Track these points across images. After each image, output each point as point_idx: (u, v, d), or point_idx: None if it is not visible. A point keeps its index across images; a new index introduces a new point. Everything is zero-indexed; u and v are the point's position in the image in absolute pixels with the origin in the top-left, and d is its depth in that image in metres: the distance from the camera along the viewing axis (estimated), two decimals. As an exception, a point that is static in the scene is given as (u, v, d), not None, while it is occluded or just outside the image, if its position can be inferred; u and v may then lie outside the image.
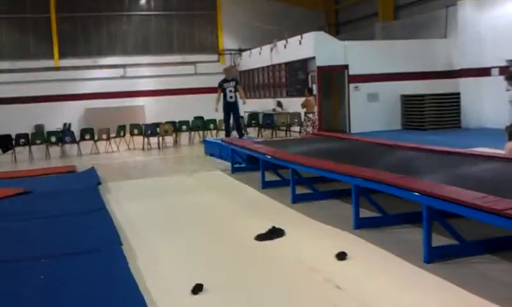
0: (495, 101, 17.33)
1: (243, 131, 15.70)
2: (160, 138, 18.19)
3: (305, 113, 15.73)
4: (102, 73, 24.95)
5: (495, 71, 17.31)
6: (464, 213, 4.79)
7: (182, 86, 25.48)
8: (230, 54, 26.70)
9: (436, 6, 19.89)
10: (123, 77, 25.10)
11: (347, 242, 6.05)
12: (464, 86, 18.24)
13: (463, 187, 5.30)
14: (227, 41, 26.84)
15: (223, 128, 16.16)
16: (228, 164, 12.11)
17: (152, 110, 23.94)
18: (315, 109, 15.90)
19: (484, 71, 17.61)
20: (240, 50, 26.17)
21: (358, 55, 18.34)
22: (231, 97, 14.37)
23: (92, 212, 7.97)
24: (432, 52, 18.91)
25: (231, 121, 14.91)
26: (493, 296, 4.35)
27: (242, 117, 17.56)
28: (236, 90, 14.42)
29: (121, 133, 18.27)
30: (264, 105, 21.81)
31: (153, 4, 26.13)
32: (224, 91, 14.31)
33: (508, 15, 16.67)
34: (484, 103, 17.68)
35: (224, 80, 14.50)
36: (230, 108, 14.50)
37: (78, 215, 7.87)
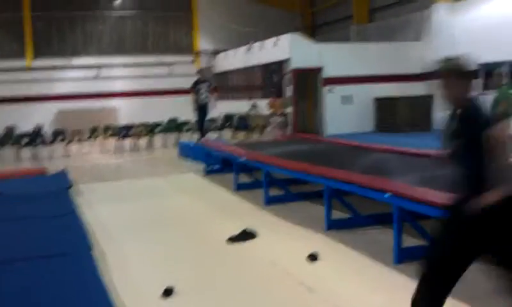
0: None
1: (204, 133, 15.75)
2: (134, 140, 18.03)
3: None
4: (75, 74, 24.58)
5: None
6: (434, 213, 4.81)
7: (156, 87, 25.28)
8: (206, 55, 26.60)
9: (410, 9, 20.09)
10: (96, 78, 24.80)
11: (319, 243, 6.05)
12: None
13: (433, 188, 5.33)
14: (203, 43, 26.73)
15: (210, 128, 16.33)
16: (201, 166, 12.04)
17: (126, 111, 23.66)
18: (284, 110, 16.01)
19: (457, 74, 17.82)
20: (216, 52, 26.08)
21: (333, 57, 18.41)
22: (204, 98, 14.68)
23: (62, 215, 7.80)
24: (406, 54, 19.08)
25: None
26: (462, 295, 4.36)
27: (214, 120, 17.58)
28: (209, 92, 14.69)
29: (94, 135, 18.07)
30: (239, 106, 21.76)
31: (128, 3, 25.87)
32: (197, 92, 14.48)
33: (482, 18, 16.92)
34: (456, 106, 17.91)
35: (198, 82, 14.70)
36: (203, 109, 14.76)
37: (48, 218, 7.69)
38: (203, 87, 14.72)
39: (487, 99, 9.21)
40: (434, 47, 18.47)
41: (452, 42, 17.79)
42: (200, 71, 15.69)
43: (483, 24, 16.80)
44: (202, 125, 15.10)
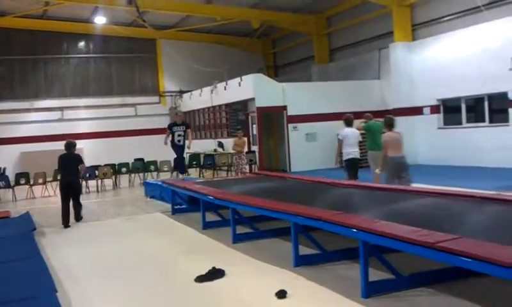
0: (427, 138, 18.03)
1: (184, 171, 15.84)
2: (99, 181, 17.85)
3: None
4: (39, 116, 24.37)
5: (427, 110, 18.07)
6: (399, 247, 4.92)
7: (122, 128, 25.23)
8: (171, 95, 26.73)
9: (369, 49, 20.68)
10: (60, 120, 24.61)
11: (287, 280, 6.08)
12: (397, 124, 18.84)
13: (397, 221, 5.46)
14: (168, 83, 26.88)
15: (164, 169, 16.03)
16: (168, 206, 12.00)
17: (91, 152, 23.46)
18: (243, 149, 16.14)
19: (416, 110, 18.34)
20: (181, 92, 26.25)
21: (296, 96, 18.76)
22: (179, 141, 14.73)
23: (26, 259, 7.68)
24: (367, 92, 19.57)
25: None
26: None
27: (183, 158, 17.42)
28: (185, 133, 14.76)
29: (58, 177, 17.79)
30: (205, 145, 21.86)
31: (92, 46, 25.91)
32: (173, 134, 14.63)
33: (436, 56, 17.55)
34: (417, 141, 18.36)
35: (174, 124, 14.86)
36: (178, 150, 14.89)
37: (11, 262, 7.56)
38: (179, 130, 14.72)
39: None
40: (392, 85, 19.04)
41: (409, 80, 18.43)
42: (175, 114, 15.55)
43: (437, 62, 17.42)
44: (180, 163, 15.23)
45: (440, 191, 7.90)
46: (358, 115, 18.86)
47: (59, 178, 11.52)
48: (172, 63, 26.45)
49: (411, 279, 5.60)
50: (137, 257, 7.96)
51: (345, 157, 11.60)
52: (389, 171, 10.23)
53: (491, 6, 15.59)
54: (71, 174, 11.28)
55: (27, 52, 24.58)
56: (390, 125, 10.52)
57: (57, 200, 15.94)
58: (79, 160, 11.54)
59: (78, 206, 11.38)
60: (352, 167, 11.55)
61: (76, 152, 11.80)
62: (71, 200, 11.22)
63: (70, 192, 11.18)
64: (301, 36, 24.77)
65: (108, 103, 25.57)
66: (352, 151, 11.50)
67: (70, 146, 11.53)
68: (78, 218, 11.35)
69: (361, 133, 12.37)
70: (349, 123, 11.81)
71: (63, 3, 21.47)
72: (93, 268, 7.43)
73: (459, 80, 16.56)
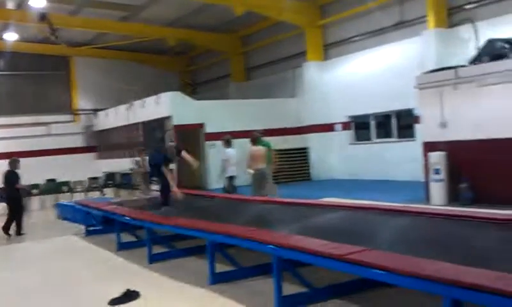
0: (340, 154, 18.65)
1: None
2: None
3: None
4: None
5: (339, 127, 18.70)
6: (309, 260, 5.05)
7: (34, 148, 24.21)
8: (86, 114, 26.06)
9: (284, 68, 21.16)
10: (-34, 140, 23.35)
11: (203, 298, 6.09)
12: (312, 140, 19.42)
13: (310, 235, 5.60)
14: (82, 102, 26.21)
15: (78, 190, 15.18)
16: (82, 228, 11.66)
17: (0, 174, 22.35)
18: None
19: (329, 127, 18.94)
20: (96, 110, 25.65)
21: (213, 114, 18.85)
22: None
23: None
24: (282, 110, 19.98)
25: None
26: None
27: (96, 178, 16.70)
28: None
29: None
30: (121, 164, 21.41)
31: (1, 63, 24.78)
32: None
33: (347, 75, 18.25)
34: (330, 156, 18.95)
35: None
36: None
37: None
38: None
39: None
40: (307, 102, 19.57)
41: (322, 97, 19.04)
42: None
43: (348, 80, 18.18)
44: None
45: (351, 205, 8.19)
46: (276, 132, 19.38)
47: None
48: (87, 81, 25.84)
49: (324, 292, 5.76)
50: (48, 282, 7.67)
51: (227, 174, 12.32)
52: (253, 182, 11.28)
53: (397, 28, 16.43)
54: (11, 190, 12.33)
55: None
56: (255, 140, 11.62)
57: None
58: (15, 178, 12.36)
59: (19, 221, 12.27)
60: (232, 183, 12.33)
61: None
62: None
63: (12, 206, 12.31)
64: (218, 55, 24.96)
65: (19, 122, 24.50)
66: (233, 169, 12.26)
67: (11, 163, 12.57)
68: (19, 232, 12.19)
69: None
70: (229, 144, 12.44)
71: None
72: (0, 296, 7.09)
73: (368, 98, 17.28)
